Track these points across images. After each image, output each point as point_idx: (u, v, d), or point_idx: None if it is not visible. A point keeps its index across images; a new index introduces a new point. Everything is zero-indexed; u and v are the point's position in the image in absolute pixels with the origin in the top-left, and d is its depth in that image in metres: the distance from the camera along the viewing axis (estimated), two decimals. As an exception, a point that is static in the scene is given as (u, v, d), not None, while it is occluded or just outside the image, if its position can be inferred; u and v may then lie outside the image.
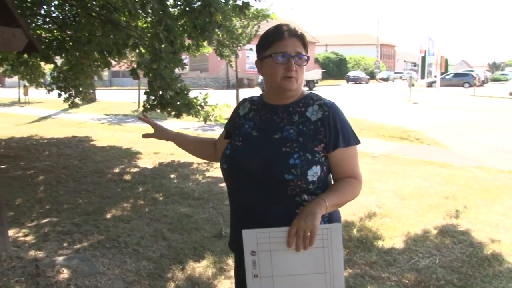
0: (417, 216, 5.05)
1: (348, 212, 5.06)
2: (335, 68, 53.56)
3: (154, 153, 8.93)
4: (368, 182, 6.44)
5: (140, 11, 5.54)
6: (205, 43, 7.67)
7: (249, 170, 1.66)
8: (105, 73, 28.48)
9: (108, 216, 5.18)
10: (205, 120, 8.02)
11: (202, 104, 7.72)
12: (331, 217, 1.72)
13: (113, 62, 10.89)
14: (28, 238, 4.48)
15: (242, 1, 5.80)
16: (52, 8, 8.67)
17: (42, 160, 8.41)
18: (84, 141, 10.93)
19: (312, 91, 1.84)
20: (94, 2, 7.11)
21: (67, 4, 7.81)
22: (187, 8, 6.38)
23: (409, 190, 6.15)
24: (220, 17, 5.79)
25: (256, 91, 23.55)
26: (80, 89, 10.55)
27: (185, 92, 7.14)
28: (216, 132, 11.64)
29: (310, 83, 31.42)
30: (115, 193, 6.13)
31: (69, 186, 6.57)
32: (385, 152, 8.95)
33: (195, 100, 7.48)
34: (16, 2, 7.04)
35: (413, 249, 4.14)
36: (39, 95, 10.41)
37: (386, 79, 53.50)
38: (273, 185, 1.61)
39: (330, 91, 29.35)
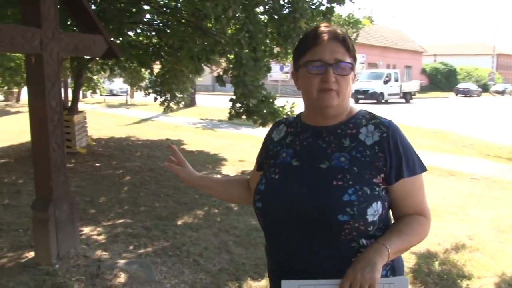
0: (516, 254, 4.36)
1: (432, 240, 4.53)
2: (444, 80, 50.45)
3: (239, 161, 8.89)
4: (462, 208, 5.78)
5: (223, 17, 5.48)
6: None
7: (291, 209, 1.35)
8: (208, 78, 29.65)
9: (179, 222, 5.16)
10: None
11: (289, 112, 7.54)
12: (395, 266, 1.40)
13: (209, 68, 11.19)
14: (100, 237, 4.59)
15: (326, 7, 5.53)
16: (148, 16, 9.03)
17: (133, 161, 8.77)
18: (176, 144, 11.22)
19: (363, 109, 1.49)
20: (183, 10, 7.24)
21: (161, 11, 8.06)
22: (275, 16, 6.24)
23: (511, 221, 5.38)
24: (304, 23, 5.56)
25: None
26: (176, 93, 10.95)
27: (271, 100, 7.02)
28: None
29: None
30: (191, 199, 6.13)
31: (150, 188, 6.71)
32: (488, 174, 8.03)
33: (281, 109, 7.33)
34: (113, 9, 7.42)
35: (505, 294, 3.55)
36: (144, 98, 10.94)
37: (501, 92, 49.18)
38: (323, 228, 1.30)
39: (435, 104, 27.66)
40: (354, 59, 1.40)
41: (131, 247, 4.34)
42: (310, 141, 1.43)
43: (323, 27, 1.40)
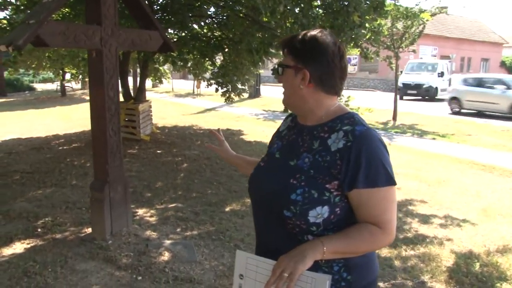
0: None
1: (478, 241, 4.49)
2: (526, 73, 47.24)
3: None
4: (516, 208, 5.60)
5: (277, 10, 5.62)
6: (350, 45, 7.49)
7: (258, 196, 1.55)
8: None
9: (227, 209, 5.42)
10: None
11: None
12: (350, 265, 1.44)
13: (270, 61, 11.39)
14: (151, 219, 4.95)
15: (377, 0, 5.49)
16: (212, 9, 9.36)
17: (192, 149, 9.17)
18: (235, 134, 11.57)
19: (354, 112, 1.51)
20: (239, 5, 7.46)
21: (221, 6, 8.34)
22: (328, 10, 6.30)
23: None
24: (358, 17, 5.58)
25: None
26: (237, 85, 11.23)
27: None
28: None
29: None
30: (242, 188, 6.36)
31: (205, 175, 7.03)
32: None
33: (335, 102, 7.37)
34: (177, 4, 7.79)
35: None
36: (210, 88, 11.38)
37: None
38: (276, 218, 1.45)
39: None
40: (299, 58, 1.46)
41: (178, 229, 4.66)
42: (294, 138, 1.57)
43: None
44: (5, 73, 22.90)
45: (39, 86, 30.65)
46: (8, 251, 4.06)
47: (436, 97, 22.08)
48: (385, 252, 4.15)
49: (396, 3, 10.15)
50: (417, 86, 21.98)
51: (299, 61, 1.46)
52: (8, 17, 8.55)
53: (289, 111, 1.69)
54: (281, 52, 1.62)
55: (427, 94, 22.07)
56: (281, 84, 1.55)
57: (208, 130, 12.25)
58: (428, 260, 4.05)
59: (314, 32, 1.47)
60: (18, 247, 4.14)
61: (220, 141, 1.99)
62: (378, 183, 1.36)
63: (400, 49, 13.78)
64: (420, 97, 22.11)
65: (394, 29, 12.99)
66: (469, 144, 10.38)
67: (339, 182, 1.38)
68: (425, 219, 5.13)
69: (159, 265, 3.77)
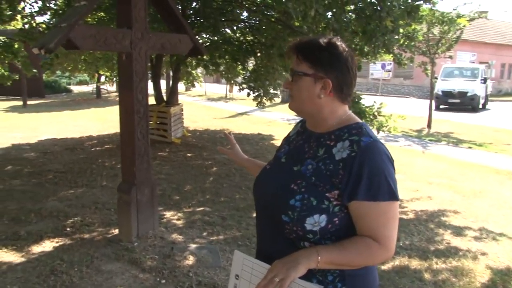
0: None
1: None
2: None
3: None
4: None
5: (309, 15, 5.56)
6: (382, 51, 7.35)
7: (260, 199, 1.55)
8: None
9: (255, 214, 5.36)
10: (378, 130, 7.67)
11: (376, 113, 7.41)
12: (345, 275, 1.40)
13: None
14: (178, 222, 4.95)
15: (411, 5, 5.35)
16: (245, 14, 9.38)
17: (222, 153, 9.16)
18: (266, 139, 11.54)
19: (362, 122, 1.49)
20: (271, 10, 7.43)
21: (253, 10, 8.33)
22: (361, 14, 6.19)
23: None
24: (390, 22, 5.46)
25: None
26: (269, 89, 11.21)
27: (356, 100, 6.97)
28: (398, 144, 11.07)
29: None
30: (270, 193, 6.31)
31: (234, 180, 7.02)
32: None
33: (368, 109, 7.24)
34: (209, 8, 7.83)
35: None
36: (243, 92, 11.42)
37: None
38: (275, 222, 1.43)
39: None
40: (320, 66, 1.41)
41: (204, 234, 4.64)
42: (301, 143, 1.55)
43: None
44: (44, 75, 23.63)
45: (76, 88, 31.57)
46: (38, 248, 4.14)
47: (479, 107, 19.74)
48: (414, 264, 4.01)
49: (433, 8, 9.90)
50: (461, 94, 19.14)
51: (319, 69, 1.41)
52: (47, 21, 8.82)
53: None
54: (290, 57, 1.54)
55: (471, 104, 19.30)
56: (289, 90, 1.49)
57: (238, 134, 12.28)
58: (461, 274, 3.89)
59: (330, 39, 1.43)
60: (47, 245, 4.21)
61: (232, 144, 2.00)
62: (379, 197, 1.33)
63: (436, 55, 13.47)
64: (461, 107, 19.24)
65: (430, 35, 12.71)
66: (509, 154, 10.02)
67: (340, 192, 1.35)
68: (458, 231, 4.93)
69: (183, 269, 3.75)
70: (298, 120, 1.73)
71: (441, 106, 19.67)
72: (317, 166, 1.41)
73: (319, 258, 1.30)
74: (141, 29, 3.99)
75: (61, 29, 3.38)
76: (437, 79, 18.51)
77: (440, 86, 19.56)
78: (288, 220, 1.37)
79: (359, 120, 1.48)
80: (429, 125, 13.91)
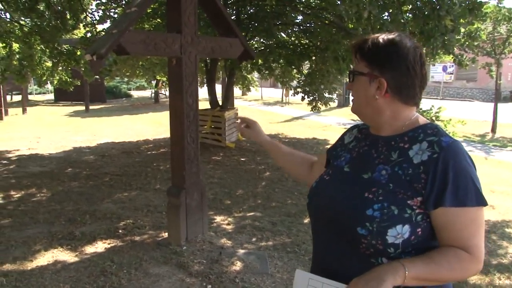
0: None
1: None
2: None
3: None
4: None
5: (362, 17, 5.38)
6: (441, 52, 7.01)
7: (325, 212, 1.38)
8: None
9: (306, 220, 5.25)
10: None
11: (433, 117, 7.09)
12: None
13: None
14: (228, 227, 4.92)
15: (473, 2, 5.01)
16: (300, 17, 9.28)
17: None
18: (320, 143, 11.36)
19: (434, 123, 1.35)
20: (325, 12, 7.29)
21: (306, 13, 8.22)
22: (419, 14, 5.93)
23: None
24: (450, 21, 5.16)
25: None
26: (324, 93, 11.02)
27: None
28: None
29: None
30: (322, 199, 6.17)
31: (286, 185, 6.93)
32: None
33: (425, 113, 6.94)
34: (262, 12, 7.81)
35: None
36: (298, 96, 11.33)
37: None
38: (347, 236, 1.29)
39: None
40: (375, 65, 1.31)
41: (254, 239, 4.58)
42: (366, 150, 1.41)
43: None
44: (105, 81, 24.66)
45: (135, 93, 32.67)
46: (90, 249, 4.24)
47: None
48: (474, 279, 3.74)
49: (499, 5, 9.31)
50: None
51: (374, 68, 1.30)
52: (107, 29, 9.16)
53: (355, 124, 1.56)
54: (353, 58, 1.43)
55: None
56: (351, 92, 1.41)
57: (293, 138, 12.18)
58: (528, 292, 3.59)
59: (391, 35, 1.30)
60: (99, 246, 4.31)
61: (251, 123, 1.91)
62: (467, 203, 1.20)
63: (503, 55, 12.75)
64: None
65: (496, 33, 12.03)
66: None
67: (423, 198, 1.21)
68: (525, 244, 4.58)
69: (230, 275, 3.70)
70: (349, 127, 1.61)
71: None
72: (392, 171, 1.28)
73: (406, 273, 1.16)
74: (191, 33, 4.00)
75: (112, 35, 3.44)
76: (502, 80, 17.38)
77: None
78: (366, 233, 1.22)
79: (429, 121, 1.37)
80: (493, 130, 13.17)
